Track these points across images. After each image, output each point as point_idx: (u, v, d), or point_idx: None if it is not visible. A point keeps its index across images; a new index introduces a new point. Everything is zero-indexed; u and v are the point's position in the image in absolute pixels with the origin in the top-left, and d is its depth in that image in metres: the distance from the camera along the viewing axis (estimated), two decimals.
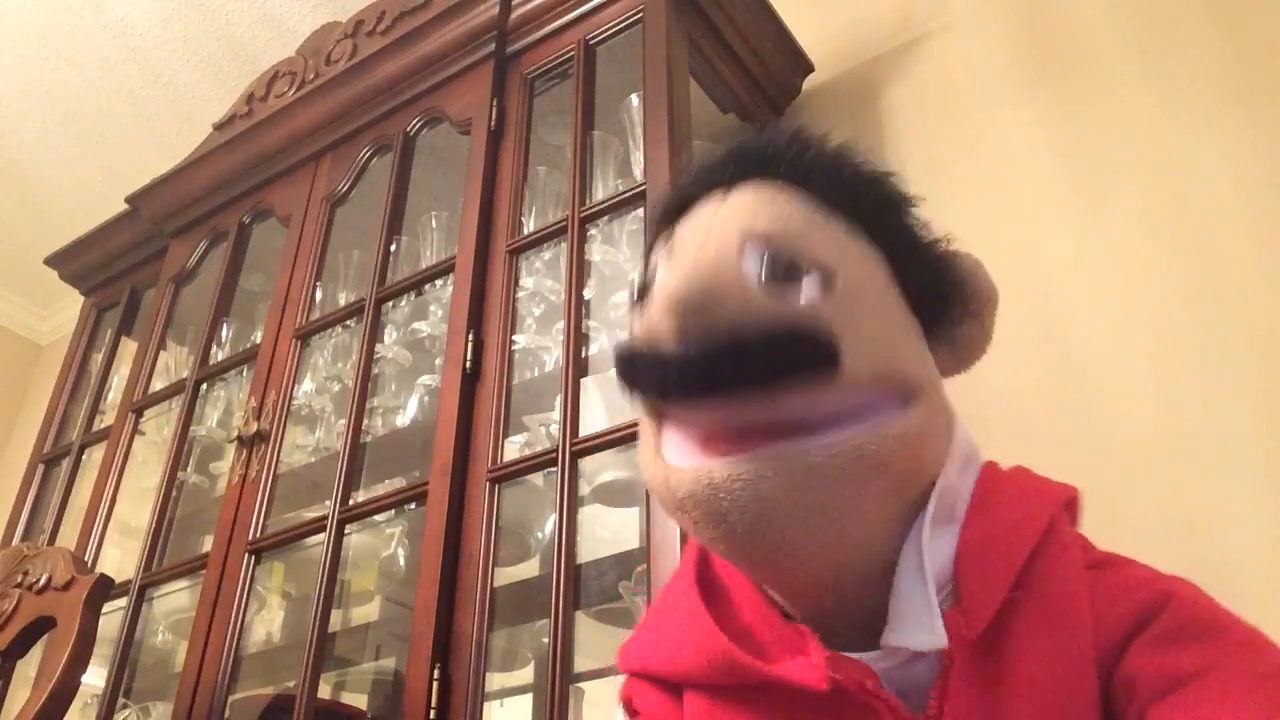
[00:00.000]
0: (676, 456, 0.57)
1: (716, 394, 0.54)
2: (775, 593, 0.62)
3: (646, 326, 0.56)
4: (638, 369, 0.57)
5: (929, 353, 0.61)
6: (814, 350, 0.53)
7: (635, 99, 1.55)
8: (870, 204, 0.60)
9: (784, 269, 0.55)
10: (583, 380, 1.35)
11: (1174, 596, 0.56)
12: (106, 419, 2.11)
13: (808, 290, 0.55)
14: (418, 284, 1.68)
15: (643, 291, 0.58)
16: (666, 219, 0.63)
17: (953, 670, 0.55)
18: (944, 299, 0.62)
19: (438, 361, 1.63)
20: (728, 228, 0.57)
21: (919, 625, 0.55)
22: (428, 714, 1.18)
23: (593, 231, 1.49)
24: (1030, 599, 0.56)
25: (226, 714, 1.46)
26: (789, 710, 0.57)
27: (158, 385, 2.01)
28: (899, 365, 0.57)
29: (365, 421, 1.60)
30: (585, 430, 1.29)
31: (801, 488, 0.53)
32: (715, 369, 0.53)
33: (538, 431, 1.45)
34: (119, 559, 1.88)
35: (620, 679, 0.69)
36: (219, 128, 2.13)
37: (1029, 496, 0.62)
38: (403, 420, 1.72)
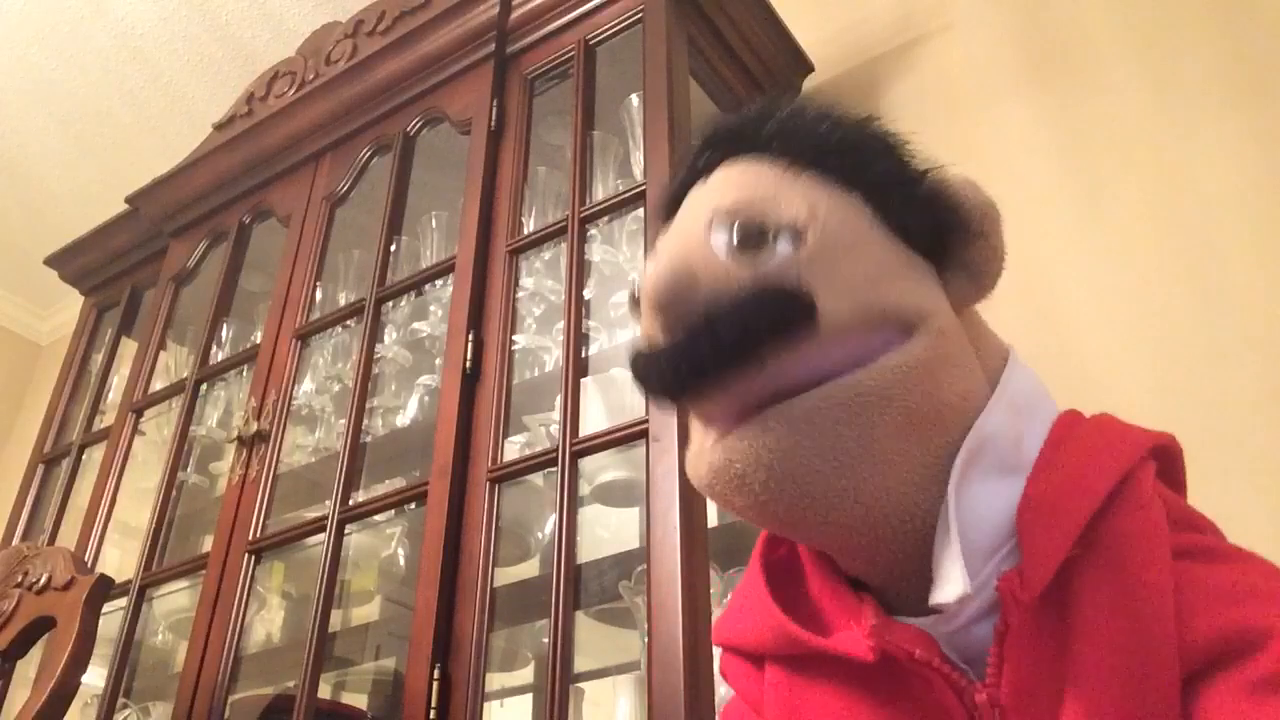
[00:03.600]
0: (705, 446, 0.58)
1: (709, 376, 0.54)
2: (835, 558, 0.61)
3: (643, 330, 0.58)
4: (642, 374, 0.57)
5: (936, 286, 0.59)
6: (788, 306, 0.53)
7: (635, 99, 1.55)
8: (839, 152, 0.59)
9: (753, 236, 0.55)
10: (583, 380, 1.35)
11: (1275, 637, 0.48)
12: (106, 419, 2.11)
13: (779, 250, 0.55)
14: (418, 284, 1.68)
15: (637, 300, 0.59)
16: (663, 219, 0.64)
17: (1009, 637, 0.52)
18: (944, 228, 0.60)
19: (438, 361, 1.63)
20: (696, 215, 0.58)
21: (950, 577, 0.52)
22: (428, 714, 1.18)
23: (593, 231, 1.49)
24: (1097, 561, 0.52)
25: (226, 714, 1.46)
26: (850, 681, 0.56)
27: (158, 385, 2.01)
28: (886, 300, 0.55)
29: (365, 421, 1.60)
30: (585, 430, 1.29)
31: (806, 432, 0.52)
32: (698, 351, 0.53)
33: (538, 431, 1.45)
34: (119, 559, 1.88)
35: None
36: (219, 128, 2.13)
37: (1105, 444, 0.57)
38: (403, 420, 1.72)
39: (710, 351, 0.53)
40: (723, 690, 0.66)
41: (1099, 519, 0.52)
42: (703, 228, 0.57)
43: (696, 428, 0.60)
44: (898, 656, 0.53)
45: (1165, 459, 0.59)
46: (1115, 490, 0.53)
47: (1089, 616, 0.51)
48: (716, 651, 0.71)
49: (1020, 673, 0.51)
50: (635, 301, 0.60)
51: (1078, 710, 0.49)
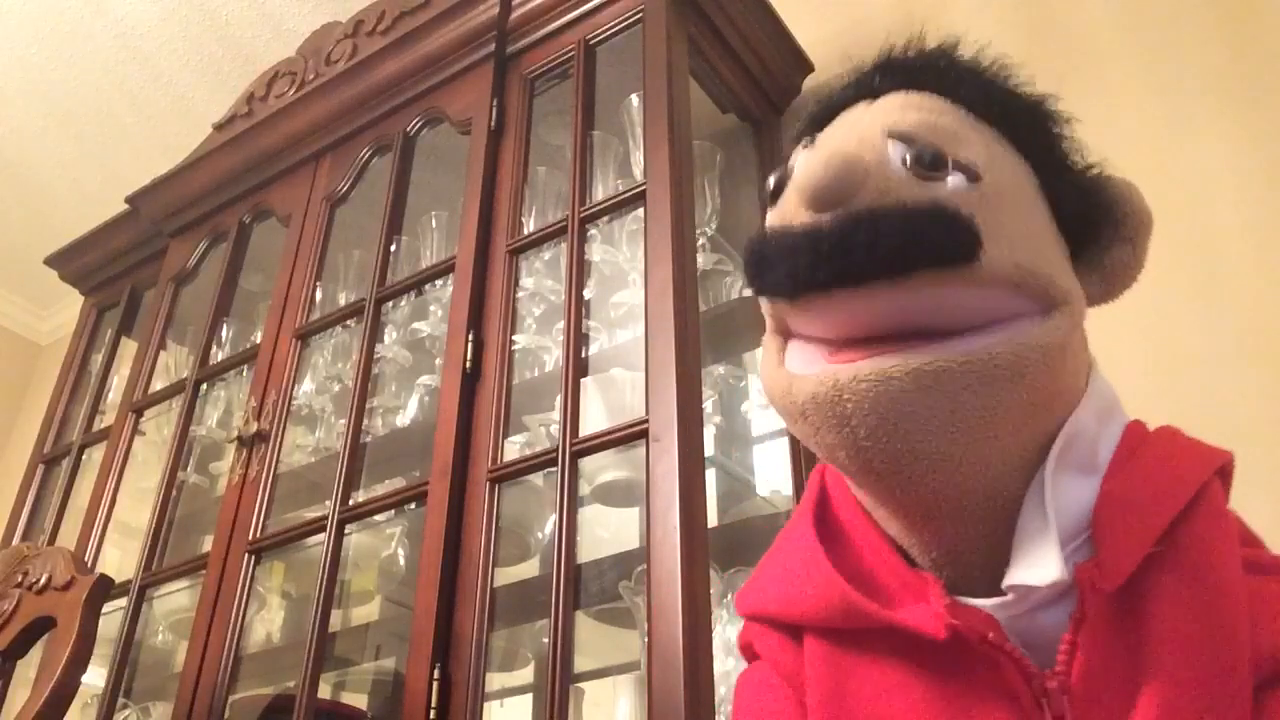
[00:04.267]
0: (801, 365, 0.55)
1: (848, 281, 0.51)
2: (896, 521, 0.59)
3: (780, 215, 0.54)
4: (767, 260, 0.54)
5: (1074, 274, 0.58)
6: (956, 235, 0.50)
7: (635, 99, 1.55)
8: (1022, 118, 0.59)
9: (929, 162, 0.53)
10: (583, 380, 1.35)
11: None
12: (106, 419, 2.11)
13: (952, 183, 0.53)
14: (418, 284, 1.68)
15: (778, 189, 0.56)
16: (810, 126, 0.62)
17: (1085, 626, 0.51)
18: (1093, 222, 0.60)
19: (438, 361, 1.63)
20: (873, 125, 0.56)
21: (1039, 562, 0.52)
22: (428, 714, 1.18)
23: (593, 231, 1.49)
24: (1176, 562, 0.52)
25: (226, 714, 1.46)
26: (908, 657, 0.55)
27: (158, 385, 2.01)
28: (1044, 268, 0.54)
29: (365, 421, 1.60)
30: (585, 430, 1.29)
31: (931, 391, 0.50)
32: (849, 249, 0.50)
33: (538, 431, 1.45)
34: (119, 559, 1.88)
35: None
36: (219, 128, 2.13)
37: (1181, 454, 0.59)
38: (403, 420, 1.72)
39: (866, 248, 0.50)
40: (723, 692, 0.63)
41: (1177, 523, 0.53)
42: (879, 136, 0.54)
43: (777, 342, 0.57)
44: (970, 637, 0.52)
45: (1224, 476, 0.60)
46: (1194, 498, 0.54)
47: (1166, 613, 0.51)
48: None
49: (1093, 662, 0.51)
50: (775, 190, 0.57)
51: (1153, 702, 0.49)
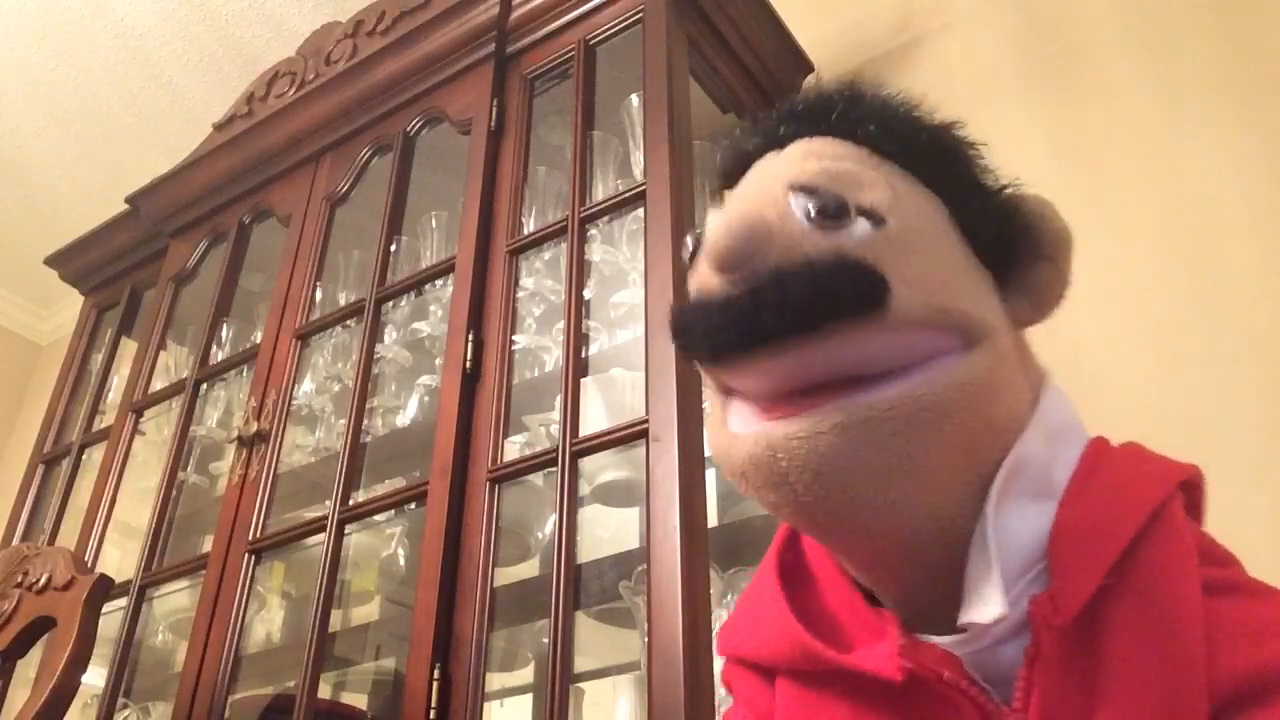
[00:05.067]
0: (740, 425, 0.55)
1: (765, 343, 0.51)
2: (853, 568, 0.60)
3: (696, 283, 0.55)
4: (685, 326, 0.55)
5: (999, 303, 0.58)
6: (862, 284, 0.51)
7: (635, 99, 1.55)
8: (926, 151, 0.59)
9: (832, 211, 0.53)
10: (583, 380, 1.35)
11: None
12: (106, 419, 2.11)
13: (857, 231, 0.53)
14: (418, 284, 1.68)
15: (695, 254, 0.57)
16: (724, 181, 0.62)
17: (1039, 661, 0.51)
18: (1012, 245, 0.59)
19: (438, 361, 1.63)
20: (775, 180, 0.56)
21: (985, 599, 0.52)
22: (428, 714, 1.18)
23: (593, 231, 1.49)
24: (1130, 590, 0.52)
25: (226, 714, 1.46)
26: (870, 698, 0.55)
27: (158, 385, 2.01)
28: (957, 303, 0.54)
29: (365, 421, 1.60)
30: (585, 430, 1.29)
31: (860, 443, 0.51)
32: (760, 308, 0.51)
33: (538, 431, 1.45)
34: (119, 559, 1.88)
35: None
36: (219, 128, 2.13)
37: (1137, 475, 0.57)
38: (403, 420, 1.72)
39: (775, 309, 0.50)
40: (722, 693, 0.64)
41: (1132, 549, 0.53)
42: (781, 191, 0.55)
43: (721, 401, 0.57)
44: (926, 677, 0.52)
45: (1189, 491, 0.59)
46: (1148, 521, 0.54)
47: (1120, 644, 0.51)
48: (719, 658, 0.70)
49: (1049, 697, 0.51)
50: (692, 253, 0.57)
51: None
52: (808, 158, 0.57)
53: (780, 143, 0.61)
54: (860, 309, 0.51)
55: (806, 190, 0.54)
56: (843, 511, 0.53)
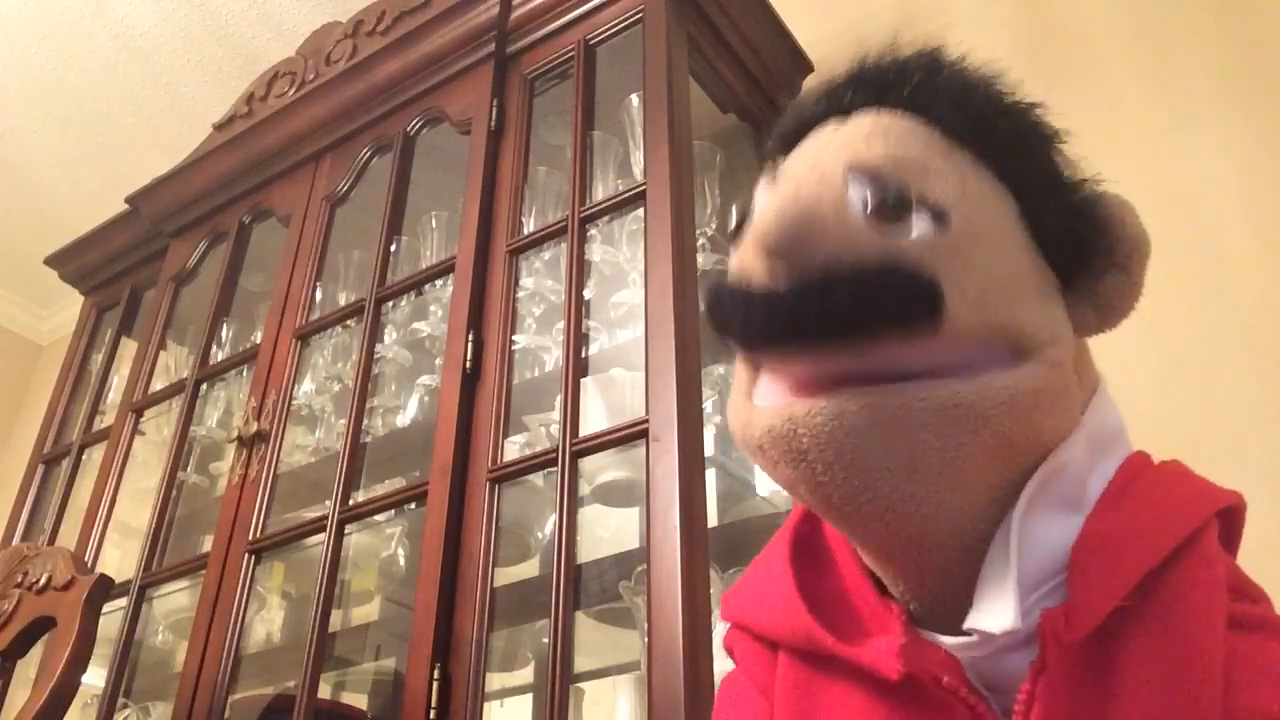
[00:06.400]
0: (763, 400, 0.54)
1: (803, 342, 0.49)
2: (866, 555, 0.57)
3: (738, 263, 0.52)
4: (724, 310, 0.52)
5: (1061, 309, 0.55)
6: (914, 296, 0.48)
7: (635, 99, 1.55)
8: (1003, 137, 0.55)
9: (892, 205, 0.50)
10: (583, 380, 1.35)
11: None
12: (106, 419, 2.11)
13: (917, 229, 0.50)
14: (418, 284, 1.68)
15: (742, 224, 0.55)
16: (780, 145, 0.59)
17: (1044, 676, 0.49)
18: (1085, 246, 0.55)
19: (438, 361, 1.63)
20: (835, 159, 0.53)
21: (997, 607, 0.50)
22: (428, 714, 1.18)
23: (593, 231, 1.49)
24: (1150, 615, 0.49)
25: (226, 714, 1.46)
26: (868, 690, 0.53)
27: (158, 385, 2.01)
28: (1013, 320, 0.51)
29: (365, 421, 1.60)
30: (585, 430, 1.29)
31: (887, 428, 0.49)
32: (802, 311, 0.48)
33: (538, 431, 1.45)
34: (119, 559, 1.88)
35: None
36: (219, 128, 2.13)
37: (1175, 496, 0.55)
38: (403, 420, 1.72)
39: (819, 313, 0.48)
40: (718, 667, 0.63)
41: (1158, 572, 0.50)
42: (840, 175, 0.52)
43: (748, 374, 0.55)
44: (923, 680, 0.51)
45: (1227, 519, 0.56)
46: (1180, 546, 0.51)
47: (1132, 669, 0.48)
48: (717, 641, 0.69)
49: (1050, 714, 0.49)
50: (739, 226, 0.55)
51: None
52: (872, 136, 0.53)
53: (844, 109, 0.57)
54: (909, 324, 0.49)
55: (869, 177, 0.51)
56: (860, 496, 0.50)
